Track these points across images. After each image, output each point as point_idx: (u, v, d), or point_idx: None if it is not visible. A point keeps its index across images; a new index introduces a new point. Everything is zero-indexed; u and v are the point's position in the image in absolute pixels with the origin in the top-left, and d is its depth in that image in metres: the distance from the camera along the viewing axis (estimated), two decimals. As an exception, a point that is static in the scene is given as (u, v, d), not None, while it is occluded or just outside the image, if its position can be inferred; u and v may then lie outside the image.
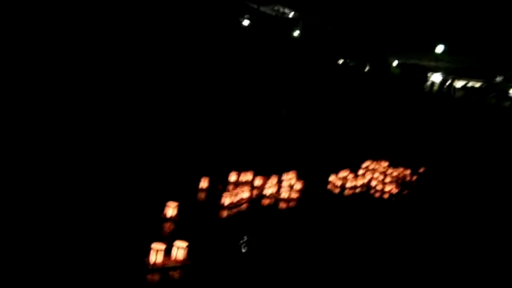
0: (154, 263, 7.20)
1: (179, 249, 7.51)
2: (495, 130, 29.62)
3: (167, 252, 7.52)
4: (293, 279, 7.92)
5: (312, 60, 28.58)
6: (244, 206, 11.63)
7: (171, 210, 9.40)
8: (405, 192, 17.86)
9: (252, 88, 22.78)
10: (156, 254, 7.24)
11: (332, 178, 16.53)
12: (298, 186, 14.15)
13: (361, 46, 34.57)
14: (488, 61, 37.18)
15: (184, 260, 7.56)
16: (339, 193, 15.66)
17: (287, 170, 15.07)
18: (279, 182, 13.96)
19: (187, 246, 7.53)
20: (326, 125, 25.53)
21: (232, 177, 12.93)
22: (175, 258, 7.52)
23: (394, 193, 16.96)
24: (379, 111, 28.38)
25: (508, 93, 38.59)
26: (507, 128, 29.93)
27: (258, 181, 13.32)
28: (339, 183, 16.34)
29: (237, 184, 12.80)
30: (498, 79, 40.19)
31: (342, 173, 17.20)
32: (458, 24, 36.43)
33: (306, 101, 25.09)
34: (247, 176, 13.23)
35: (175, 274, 7.23)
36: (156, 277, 7.05)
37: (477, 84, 38.90)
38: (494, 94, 36.05)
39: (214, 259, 7.99)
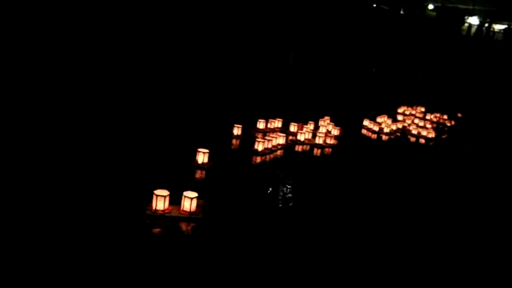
0: (156, 210, 6.81)
1: (190, 200, 6.92)
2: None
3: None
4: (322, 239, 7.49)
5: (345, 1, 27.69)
6: (279, 152, 11.41)
7: (202, 156, 9.24)
8: (443, 136, 17.38)
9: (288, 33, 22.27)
10: (157, 201, 6.84)
11: (368, 123, 16.29)
12: (335, 132, 13.96)
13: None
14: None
15: (194, 212, 6.98)
16: (376, 138, 15.28)
17: (323, 116, 15.06)
18: (315, 128, 13.85)
19: (196, 197, 6.95)
20: (361, 70, 25.04)
21: (262, 124, 13.03)
22: (185, 209, 6.96)
23: (431, 137, 16.45)
24: (415, 55, 27.61)
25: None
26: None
27: (293, 128, 13.15)
28: (376, 128, 15.98)
29: (271, 130, 12.78)
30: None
31: (379, 119, 16.99)
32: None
33: (342, 46, 24.53)
34: (276, 123, 13.27)
35: (183, 226, 6.71)
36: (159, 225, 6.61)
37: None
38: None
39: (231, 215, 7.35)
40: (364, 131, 15.90)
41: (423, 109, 21.00)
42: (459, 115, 22.24)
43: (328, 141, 12.76)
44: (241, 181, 8.97)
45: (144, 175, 8.16)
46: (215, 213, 7.14)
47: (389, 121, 17.16)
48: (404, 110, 20.25)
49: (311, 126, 13.87)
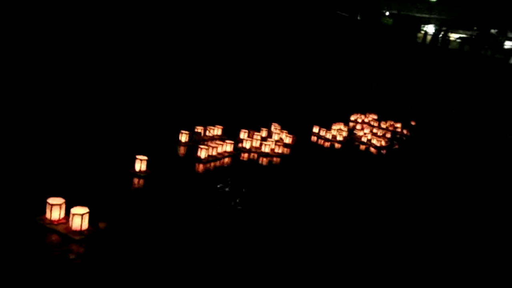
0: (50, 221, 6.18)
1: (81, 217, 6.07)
2: (489, 83, 29.09)
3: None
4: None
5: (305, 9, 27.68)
6: (226, 160, 11.11)
7: (139, 164, 8.84)
8: (395, 146, 17.34)
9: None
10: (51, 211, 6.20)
11: (317, 130, 16.21)
12: (287, 140, 13.73)
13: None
14: (481, 12, 36.42)
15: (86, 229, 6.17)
16: (327, 146, 15.19)
17: (273, 123, 14.83)
18: (269, 135, 13.69)
19: (87, 212, 6.18)
20: (313, 76, 24.93)
21: (212, 130, 12.75)
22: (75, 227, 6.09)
23: (382, 146, 16.38)
24: (370, 62, 27.72)
25: (502, 45, 37.98)
26: (501, 81, 29.44)
27: (242, 135, 12.83)
28: (328, 136, 15.93)
29: (219, 138, 12.35)
30: (492, 31, 39.52)
31: (335, 126, 16.97)
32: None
33: (295, 52, 24.41)
34: (216, 131, 12.90)
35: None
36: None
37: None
38: (487, 46, 35.49)
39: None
40: (315, 139, 15.80)
41: (375, 117, 21.00)
42: (413, 123, 22.33)
43: (277, 149, 12.47)
44: (175, 190, 8.56)
45: (74, 181, 7.73)
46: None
47: (345, 129, 17.12)
48: (357, 118, 20.22)
49: (263, 133, 13.68)
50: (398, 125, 20.28)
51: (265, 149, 12.25)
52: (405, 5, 37.36)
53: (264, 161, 11.78)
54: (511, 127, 25.43)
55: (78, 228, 6.07)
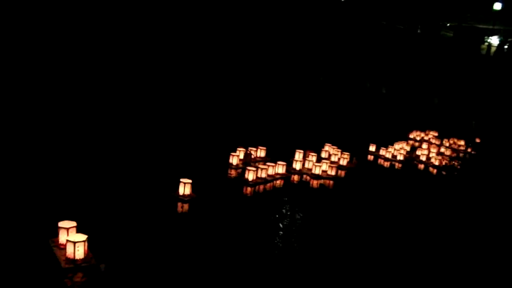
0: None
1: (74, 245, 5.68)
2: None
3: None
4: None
5: (354, 21, 27.22)
6: (278, 182, 10.78)
7: (183, 188, 8.58)
8: (456, 165, 16.37)
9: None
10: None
11: (374, 149, 15.67)
12: (342, 161, 13.10)
13: (410, 8, 32.72)
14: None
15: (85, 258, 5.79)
16: (386, 166, 14.63)
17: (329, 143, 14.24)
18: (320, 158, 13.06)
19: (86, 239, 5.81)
20: (370, 92, 24.32)
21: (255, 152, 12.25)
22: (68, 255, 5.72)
23: (444, 165, 15.54)
24: (431, 76, 26.78)
25: None
26: None
27: (298, 156, 12.34)
28: (388, 155, 15.30)
29: (262, 160, 11.93)
30: None
31: (397, 145, 16.31)
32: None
33: (347, 68, 23.94)
34: (259, 152, 12.34)
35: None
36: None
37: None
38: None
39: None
40: (372, 158, 15.28)
41: (436, 134, 20.11)
42: (478, 140, 21.24)
43: (330, 171, 11.91)
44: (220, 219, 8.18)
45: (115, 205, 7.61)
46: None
47: (408, 148, 16.67)
48: (416, 136, 19.39)
49: (323, 153, 13.40)
50: (461, 142, 19.27)
51: (316, 170, 11.75)
52: (466, 17, 36.15)
53: (316, 183, 11.31)
54: None
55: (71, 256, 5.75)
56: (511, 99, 27.04)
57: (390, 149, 15.48)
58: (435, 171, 15.04)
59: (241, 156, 11.43)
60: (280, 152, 12.44)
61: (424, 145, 17.71)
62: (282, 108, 19.26)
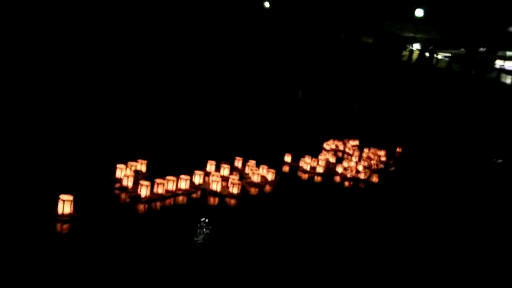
0: None
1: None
2: (480, 103, 28.10)
3: None
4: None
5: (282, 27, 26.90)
6: (181, 198, 9.88)
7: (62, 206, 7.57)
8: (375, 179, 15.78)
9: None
10: None
11: (290, 159, 14.91)
12: (256, 177, 12.03)
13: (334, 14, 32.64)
14: (469, 31, 35.61)
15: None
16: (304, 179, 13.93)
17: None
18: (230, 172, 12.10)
19: None
20: (284, 97, 23.74)
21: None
22: None
23: (363, 178, 14.81)
24: (351, 82, 26.63)
25: (493, 64, 37.12)
26: (493, 101, 28.49)
27: (209, 167, 11.72)
28: (307, 167, 14.55)
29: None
30: (481, 49, 38.72)
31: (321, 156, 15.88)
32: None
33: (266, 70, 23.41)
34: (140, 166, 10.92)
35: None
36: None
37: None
38: (477, 64, 34.75)
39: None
40: (287, 169, 14.45)
41: (356, 143, 19.61)
42: (399, 149, 20.90)
43: (232, 189, 10.69)
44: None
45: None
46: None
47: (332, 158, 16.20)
48: (333, 145, 18.72)
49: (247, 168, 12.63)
50: (382, 152, 18.75)
51: (214, 186, 10.61)
52: (390, 25, 36.36)
53: (214, 201, 10.31)
54: (499, 150, 24.26)
55: None
56: (433, 107, 27.35)
57: (307, 160, 14.75)
58: (349, 184, 14.41)
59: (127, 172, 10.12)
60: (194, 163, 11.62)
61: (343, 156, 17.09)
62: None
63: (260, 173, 12.13)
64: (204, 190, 10.60)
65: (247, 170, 12.50)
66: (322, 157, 15.84)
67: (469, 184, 17.30)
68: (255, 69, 23.20)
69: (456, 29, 35.05)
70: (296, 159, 14.91)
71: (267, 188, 11.94)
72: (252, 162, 12.81)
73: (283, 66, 24.62)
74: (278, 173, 12.88)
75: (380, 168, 16.96)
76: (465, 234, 11.30)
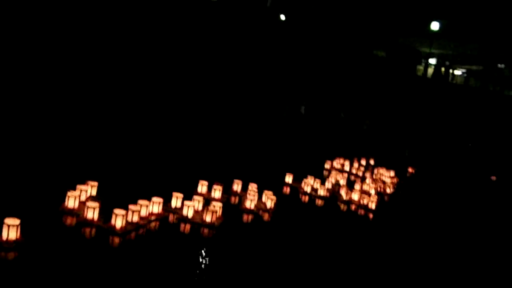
0: None
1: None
2: (498, 120, 26.94)
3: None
4: None
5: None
6: (153, 224, 8.67)
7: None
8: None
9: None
10: None
11: (291, 180, 13.73)
12: (249, 203, 10.81)
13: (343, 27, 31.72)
14: (487, 47, 34.54)
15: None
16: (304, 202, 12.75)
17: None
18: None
19: None
20: (286, 113, 22.75)
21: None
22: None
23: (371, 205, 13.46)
24: (360, 98, 25.57)
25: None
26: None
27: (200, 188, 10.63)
28: (307, 189, 13.35)
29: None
30: (500, 66, 37.64)
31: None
32: (455, 4, 33.67)
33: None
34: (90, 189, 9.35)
35: None
36: None
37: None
38: (495, 81, 33.75)
39: None
40: (287, 191, 13.31)
41: (364, 162, 18.45)
42: (410, 170, 19.70)
43: (205, 216, 9.30)
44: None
45: None
46: None
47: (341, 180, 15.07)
48: (337, 165, 17.52)
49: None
50: (391, 173, 17.52)
51: (186, 211, 9.31)
52: (404, 39, 35.34)
53: (184, 228, 9.07)
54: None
55: None
56: (450, 126, 26.27)
57: (310, 181, 13.59)
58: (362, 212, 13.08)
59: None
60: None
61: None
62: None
63: (253, 198, 10.92)
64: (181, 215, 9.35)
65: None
66: (330, 178, 14.76)
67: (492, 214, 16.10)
68: (255, 81, 22.23)
69: (473, 44, 34.10)
70: (298, 179, 13.77)
71: (266, 216, 10.75)
72: (253, 186, 11.66)
73: (285, 79, 23.63)
74: (277, 195, 11.65)
75: (389, 192, 15.74)
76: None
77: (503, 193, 18.56)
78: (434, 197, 16.67)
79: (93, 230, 7.90)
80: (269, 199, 11.12)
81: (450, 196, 17.11)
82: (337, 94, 25.44)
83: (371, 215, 12.90)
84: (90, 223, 8.04)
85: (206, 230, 9.02)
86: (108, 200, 8.72)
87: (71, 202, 8.40)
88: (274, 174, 14.02)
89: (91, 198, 9.02)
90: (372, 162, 19.13)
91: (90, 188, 9.20)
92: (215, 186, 10.90)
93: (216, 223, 9.25)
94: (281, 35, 26.14)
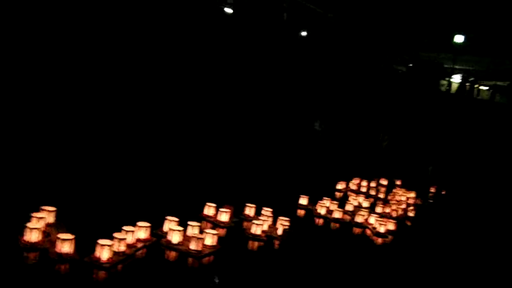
0: None
1: None
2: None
3: None
4: None
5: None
6: (139, 253, 7.75)
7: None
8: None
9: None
10: None
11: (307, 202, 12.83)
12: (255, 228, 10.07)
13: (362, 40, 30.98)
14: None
15: None
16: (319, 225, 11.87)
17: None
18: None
19: None
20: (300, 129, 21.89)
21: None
22: None
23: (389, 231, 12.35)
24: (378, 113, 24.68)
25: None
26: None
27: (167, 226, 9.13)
28: (322, 211, 12.45)
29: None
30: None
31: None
32: (480, 19, 32.78)
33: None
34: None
35: None
36: None
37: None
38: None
39: None
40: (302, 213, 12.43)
41: (385, 182, 17.47)
42: (433, 189, 18.61)
43: (194, 245, 8.26)
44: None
45: None
46: None
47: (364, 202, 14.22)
48: (353, 186, 16.52)
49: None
50: (412, 194, 16.43)
51: (171, 236, 8.35)
52: (426, 55, 34.36)
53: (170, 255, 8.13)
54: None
55: None
56: (475, 143, 25.20)
57: (326, 203, 12.74)
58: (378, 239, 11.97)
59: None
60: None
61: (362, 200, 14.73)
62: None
63: (262, 224, 9.97)
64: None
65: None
66: (350, 200, 13.87)
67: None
68: (266, 94, 21.56)
69: (498, 60, 33.11)
70: (313, 201, 12.88)
71: (275, 243, 9.82)
72: (267, 210, 10.78)
73: (298, 92, 22.90)
74: (291, 219, 10.70)
75: (410, 216, 14.66)
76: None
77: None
78: (460, 220, 15.59)
79: (68, 266, 6.89)
80: (280, 226, 10.23)
81: (478, 219, 16.02)
82: (355, 110, 24.65)
83: (389, 240, 11.87)
84: (65, 258, 6.96)
85: (190, 259, 8.08)
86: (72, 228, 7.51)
87: (34, 235, 7.17)
88: (289, 196, 13.15)
89: (50, 226, 7.78)
90: (392, 182, 18.12)
91: (47, 215, 7.85)
92: (221, 209, 10.11)
93: (204, 252, 8.28)
94: (298, 48, 25.51)
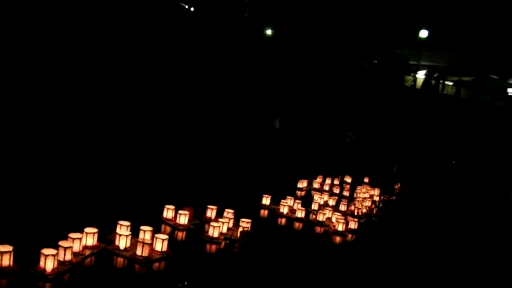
0: None
1: None
2: (491, 132, 26.18)
3: None
4: None
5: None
6: (87, 261, 7.34)
7: None
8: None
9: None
10: None
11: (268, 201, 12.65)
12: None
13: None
14: (479, 58, 33.90)
15: None
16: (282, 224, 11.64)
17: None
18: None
19: None
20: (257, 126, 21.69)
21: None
22: None
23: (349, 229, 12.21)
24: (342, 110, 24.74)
25: (505, 91, 35.25)
26: (505, 129, 26.71)
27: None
28: (284, 210, 12.28)
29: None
30: (493, 76, 37.03)
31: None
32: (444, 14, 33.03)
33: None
34: None
35: None
36: None
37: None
38: (487, 91, 33.10)
39: None
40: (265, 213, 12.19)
41: (349, 180, 17.41)
42: (397, 187, 18.62)
43: (139, 251, 7.89)
44: None
45: None
46: None
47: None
48: (315, 184, 16.36)
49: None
50: (375, 191, 16.36)
51: (120, 243, 7.99)
52: (391, 51, 34.49)
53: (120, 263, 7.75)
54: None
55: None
56: (440, 137, 25.53)
57: (289, 202, 12.58)
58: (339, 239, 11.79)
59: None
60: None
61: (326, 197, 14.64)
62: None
63: (218, 225, 9.68)
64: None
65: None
66: (316, 198, 13.72)
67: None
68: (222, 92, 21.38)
69: (464, 56, 33.49)
70: (276, 200, 12.69)
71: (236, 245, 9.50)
72: (229, 212, 10.45)
73: (255, 88, 22.77)
74: (254, 219, 10.47)
75: (374, 213, 14.53)
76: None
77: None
78: (424, 216, 15.53)
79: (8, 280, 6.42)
80: (241, 227, 9.95)
81: (441, 215, 16.01)
82: (317, 106, 24.62)
83: (349, 238, 11.69)
84: (5, 271, 6.46)
85: (137, 266, 7.69)
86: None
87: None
88: (252, 196, 12.92)
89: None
90: (358, 179, 18.04)
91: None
92: (180, 212, 9.80)
93: (152, 257, 7.92)
94: (258, 45, 25.41)
